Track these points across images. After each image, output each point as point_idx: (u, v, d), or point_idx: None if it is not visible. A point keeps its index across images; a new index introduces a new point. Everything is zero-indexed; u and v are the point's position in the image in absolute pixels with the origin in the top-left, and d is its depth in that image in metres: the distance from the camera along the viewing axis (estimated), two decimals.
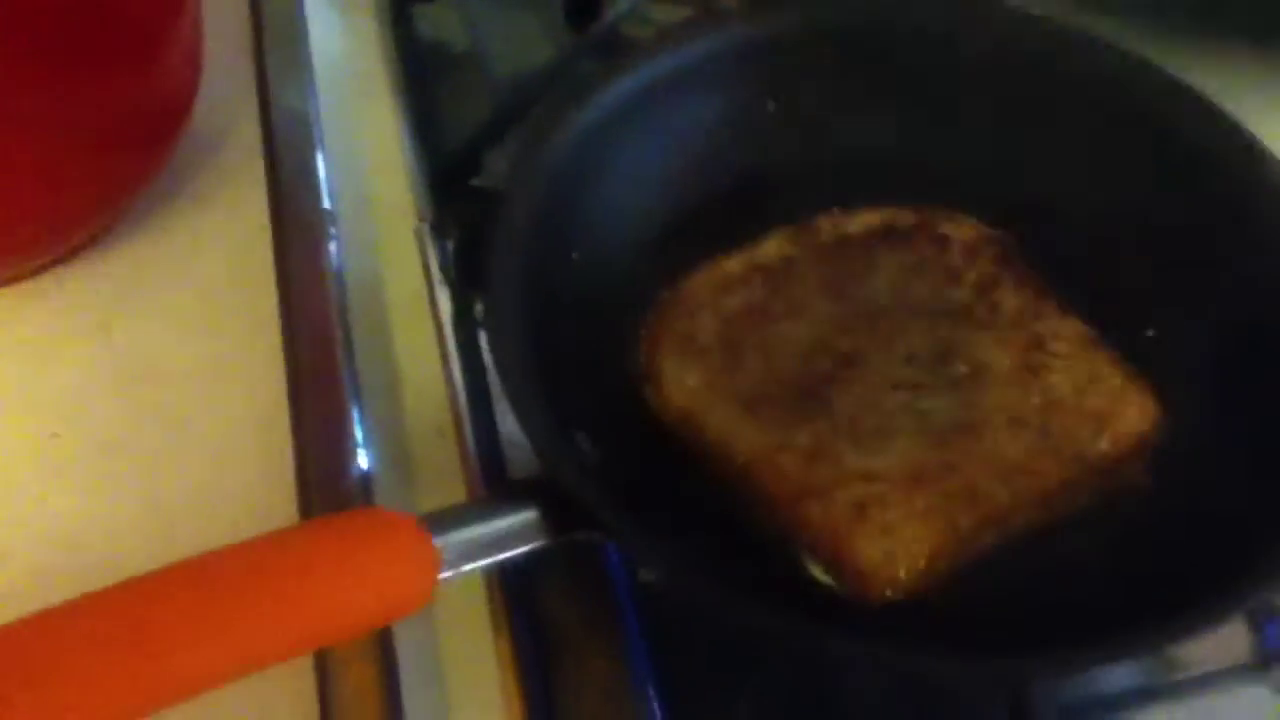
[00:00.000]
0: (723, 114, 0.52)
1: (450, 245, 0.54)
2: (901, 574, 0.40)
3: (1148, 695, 0.44)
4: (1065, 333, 0.45)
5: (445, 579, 0.35)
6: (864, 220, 0.49)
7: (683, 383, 0.45)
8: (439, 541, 0.35)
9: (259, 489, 0.46)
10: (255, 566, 0.32)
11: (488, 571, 0.43)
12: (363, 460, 0.46)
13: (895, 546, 0.40)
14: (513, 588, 0.43)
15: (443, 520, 0.36)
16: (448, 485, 0.47)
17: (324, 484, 0.45)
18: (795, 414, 0.43)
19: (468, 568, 0.36)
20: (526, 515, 0.38)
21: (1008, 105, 0.51)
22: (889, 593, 0.40)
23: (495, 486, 0.45)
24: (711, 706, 0.40)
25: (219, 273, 0.53)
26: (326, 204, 0.54)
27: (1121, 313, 0.48)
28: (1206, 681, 0.44)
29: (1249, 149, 0.47)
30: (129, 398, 0.48)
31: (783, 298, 0.47)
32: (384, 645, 0.39)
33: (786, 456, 0.42)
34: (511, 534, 0.37)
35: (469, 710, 0.41)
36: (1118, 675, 0.44)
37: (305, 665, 0.39)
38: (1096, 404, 0.43)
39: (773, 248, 0.48)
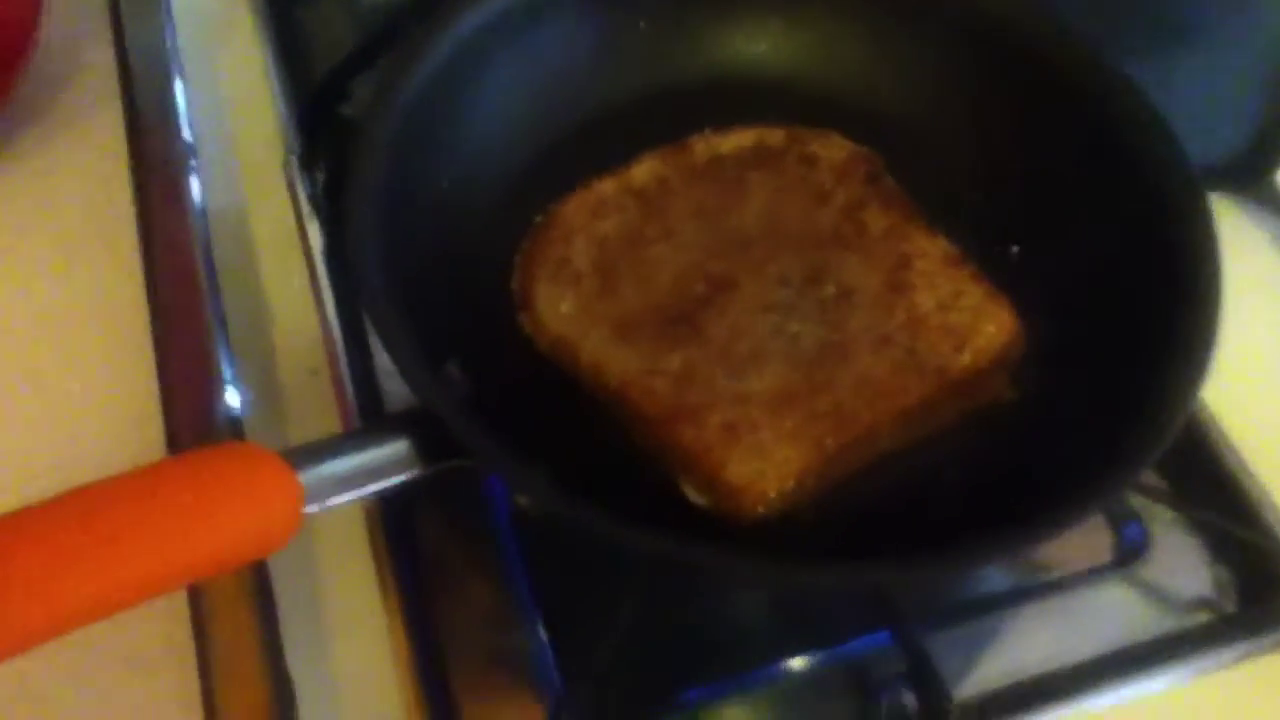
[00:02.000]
0: (593, 35, 0.51)
1: (320, 177, 0.53)
2: (772, 492, 0.40)
3: (1018, 596, 0.45)
4: (930, 252, 0.46)
5: (311, 512, 0.34)
6: (736, 140, 0.49)
7: (556, 309, 0.44)
8: (304, 475, 0.34)
9: (125, 437, 0.45)
10: (115, 500, 0.31)
11: (365, 503, 0.42)
12: (231, 400, 0.45)
13: (765, 466, 0.40)
14: (391, 518, 0.43)
15: (308, 453, 0.35)
16: (322, 423, 0.46)
17: (192, 427, 0.44)
18: (668, 338, 0.43)
19: (334, 501, 0.35)
20: (397, 446, 0.37)
21: (882, 27, 0.51)
22: (760, 510, 0.40)
23: (368, 421, 0.44)
24: (593, 625, 0.40)
25: (73, 211, 0.51)
26: (187, 136, 0.52)
27: (987, 232, 0.48)
28: (1072, 582, 0.46)
29: (1120, 86, 0.48)
30: None
31: (656, 221, 0.47)
32: (259, 581, 0.39)
33: (659, 380, 0.42)
34: (381, 466, 0.36)
35: (351, 642, 0.41)
36: (989, 579, 0.46)
37: (180, 603, 0.38)
38: (958, 320, 0.44)
39: (645, 169, 0.48)
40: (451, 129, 0.47)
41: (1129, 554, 0.46)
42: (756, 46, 0.53)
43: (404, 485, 0.37)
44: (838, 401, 0.42)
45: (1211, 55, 0.58)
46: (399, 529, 0.42)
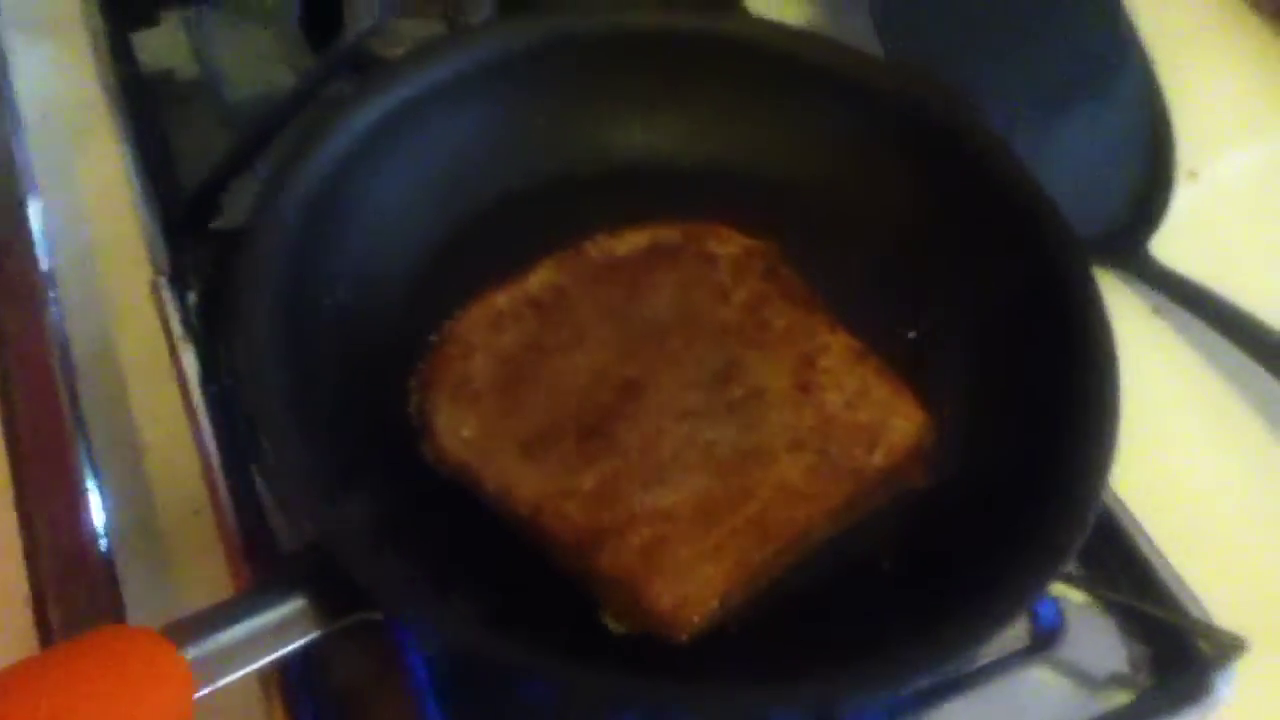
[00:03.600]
0: (489, 131, 0.50)
1: (191, 297, 0.50)
2: (696, 618, 0.39)
3: (941, 688, 0.44)
4: (834, 348, 0.46)
5: (203, 696, 0.31)
6: (630, 241, 0.48)
7: (457, 434, 0.42)
8: (191, 654, 0.31)
9: None
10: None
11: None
12: (104, 544, 0.41)
13: (688, 590, 0.39)
14: (292, 676, 0.40)
15: (192, 628, 0.32)
16: (209, 567, 0.43)
17: (62, 578, 0.41)
18: (579, 454, 0.42)
19: (226, 679, 0.32)
20: (292, 605, 0.35)
21: (775, 109, 0.52)
22: (685, 637, 0.39)
23: (260, 568, 0.41)
24: None
25: None
26: (44, 265, 0.49)
27: (885, 314, 0.48)
28: (991, 669, 0.45)
29: (992, 142, 0.49)
30: None
31: (557, 329, 0.45)
32: None
33: (571, 502, 0.41)
34: (276, 630, 0.34)
35: None
36: None
37: None
38: (867, 418, 0.44)
39: (541, 277, 0.47)
40: (340, 239, 0.45)
41: (1045, 637, 0.46)
42: (652, 136, 0.52)
43: (304, 649, 0.34)
44: (758, 512, 0.41)
45: (1087, 125, 0.60)
46: (299, 688, 0.39)
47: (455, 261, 0.48)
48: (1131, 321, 0.55)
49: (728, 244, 0.49)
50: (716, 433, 0.43)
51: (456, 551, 0.41)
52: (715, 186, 0.51)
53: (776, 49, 0.52)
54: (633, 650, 0.40)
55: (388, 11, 0.60)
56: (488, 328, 0.45)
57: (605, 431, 0.42)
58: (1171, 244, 0.57)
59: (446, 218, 0.48)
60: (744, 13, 0.61)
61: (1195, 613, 0.45)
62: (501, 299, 0.46)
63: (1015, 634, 0.46)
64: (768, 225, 0.50)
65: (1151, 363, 0.53)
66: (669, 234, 0.49)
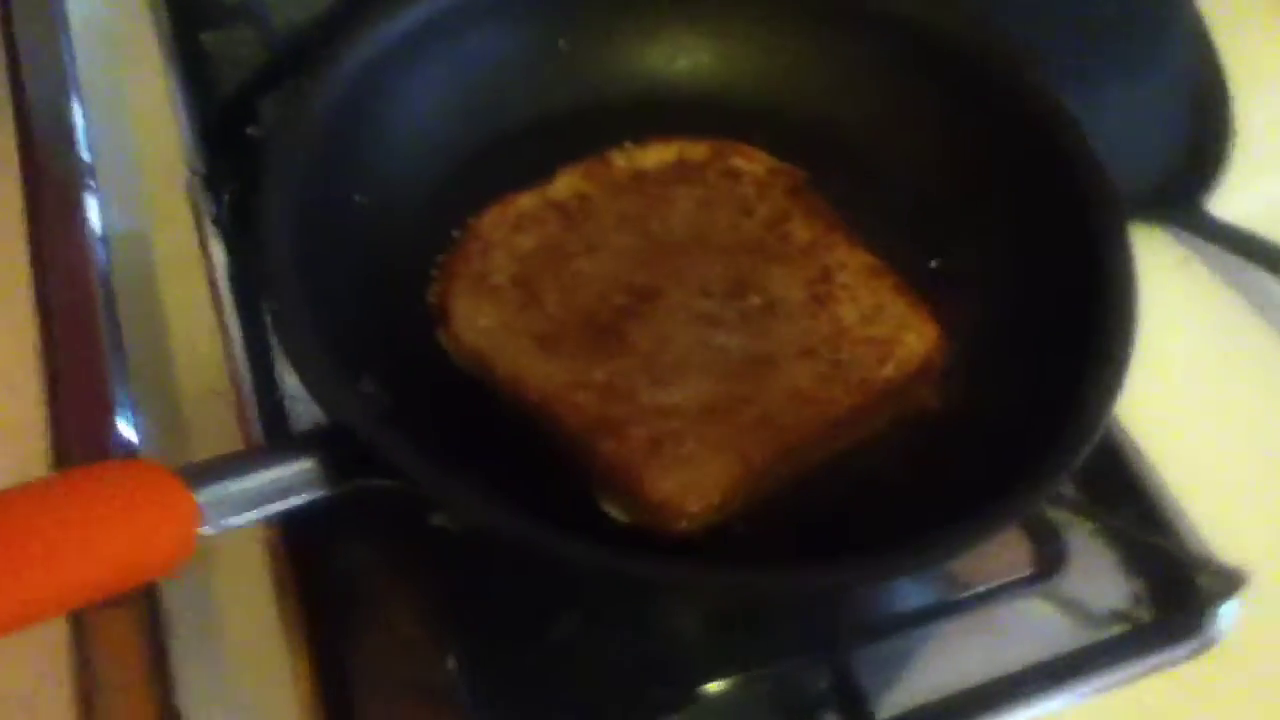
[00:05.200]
0: (514, 51, 0.50)
1: (225, 198, 0.51)
2: (696, 507, 0.39)
3: (940, 611, 0.45)
4: (852, 264, 0.46)
5: (206, 533, 0.32)
6: (657, 154, 0.49)
7: (474, 323, 0.43)
8: (200, 494, 0.32)
9: (10, 459, 0.42)
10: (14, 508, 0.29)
11: (266, 527, 0.41)
12: (125, 428, 0.43)
13: (689, 480, 0.40)
14: (295, 542, 0.41)
15: (206, 472, 0.33)
16: (225, 445, 0.44)
17: (82, 450, 0.42)
18: (591, 351, 0.43)
19: (232, 521, 0.33)
20: (302, 465, 0.35)
21: (807, 38, 0.51)
22: (684, 525, 0.39)
23: (273, 439, 0.42)
24: (508, 654, 0.39)
25: None
26: (85, 156, 0.50)
27: (911, 244, 0.48)
28: (992, 595, 0.45)
29: (1048, 105, 0.48)
30: None
31: (578, 234, 0.46)
32: (150, 609, 0.37)
33: (581, 393, 0.41)
34: (284, 485, 0.35)
35: (250, 675, 0.39)
36: (910, 594, 0.45)
37: (60, 633, 0.36)
38: (880, 331, 0.44)
39: (566, 184, 0.47)
40: (368, 141, 0.46)
41: (1048, 567, 0.46)
42: (678, 62, 0.52)
43: (308, 505, 0.35)
44: (764, 413, 0.41)
45: (1139, 81, 0.59)
46: (303, 554, 0.40)
47: (481, 169, 0.48)
48: (1177, 271, 0.55)
49: (753, 162, 0.49)
50: (728, 338, 0.43)
51: (465, 439, 0.41)
52: (748, 115, 0.51)
53: None
54: (634, 541, 0.40)
55: None
56: (510, 227, 0.46)
57: (618, 330, 0.43)
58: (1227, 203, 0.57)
59: (474, 129, 0.49)
60: None
61: (1196, 547, 0.45)
62: (525, 200, 0.46)
63: (1017, 562, 0.46)
64: (798, 155, 0.50)
65: (1174, 308, 0.52)
66: (695, 149, 0.49)
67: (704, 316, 0.44)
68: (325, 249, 0.42)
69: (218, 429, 0.44)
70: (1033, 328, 0.45)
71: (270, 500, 0.34)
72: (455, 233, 0.46)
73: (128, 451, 0.42)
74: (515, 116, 0.50)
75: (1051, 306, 0.45)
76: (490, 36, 0.50)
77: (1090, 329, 0.43)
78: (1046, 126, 0.48)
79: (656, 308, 0.44)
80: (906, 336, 0.44)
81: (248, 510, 0.34)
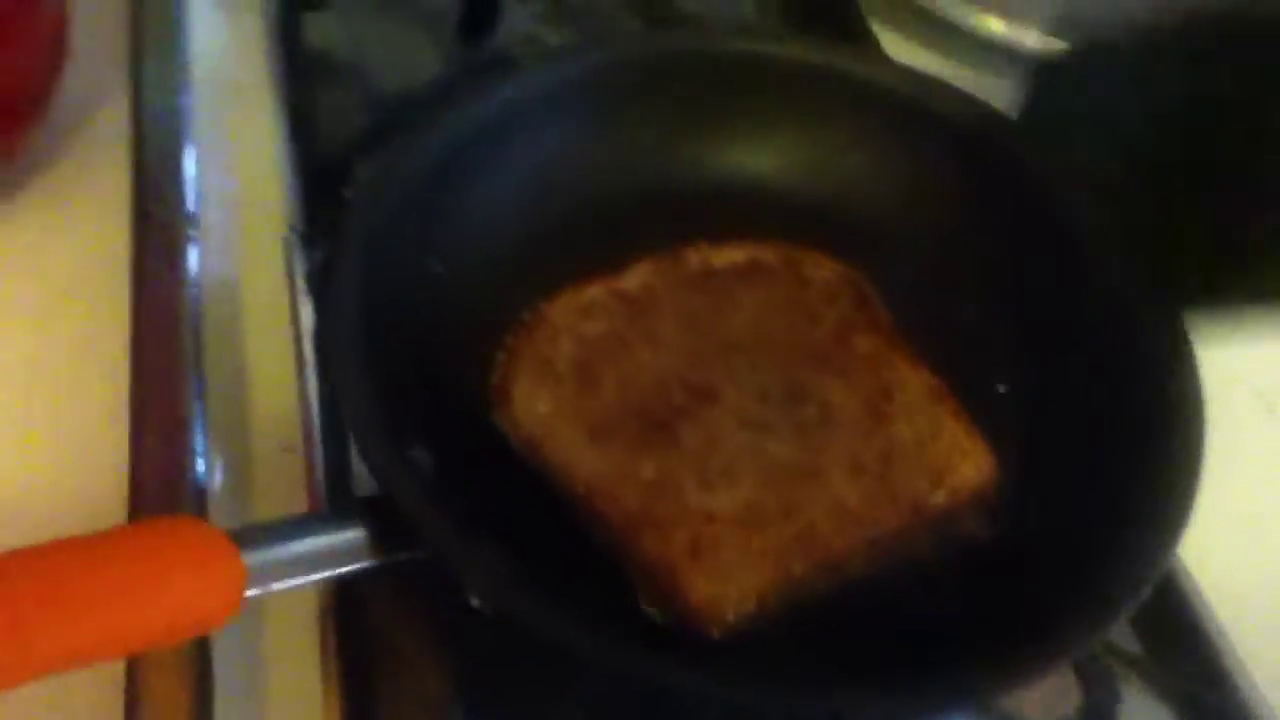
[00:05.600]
0: (601, 137, 0.52)
1: (317, 255, 0.53)
2: (730, 615, 0.39)
3: None
4: (913, 383, 0.46)
5: (252, 596, 0.33)
6: (729, 254, 0.49)
7: (533, 408, 0.44)
8: (249, 556, 0.34)
9: (89, 494, 0.44)
10: (52, 565, 0.30)
11: (318, 587, 0.42)
12: (200, 469, 0.44)
13: (727, 588, 0.40)
14: (343, 605, 0.42)
15: (258, 534, 0.35)
16: (290, 501, 0.45)
17: (157, 493, 0.44)
18: (642, 445, 0.43)
19: (278, 585, 0.34)
20: (353, 534, 0.37)
21: (883, 146, 0.52)
22: (716, 633, 0.39)
23: (329, 505, 0.44)
24: None
25: (71, 267, 0.51)
26: (191, 206, 0.53)
27: (974, 365, 0.48)
28: None
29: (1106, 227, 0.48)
30: None
31: (642, 327, 0.47)
32: (199, 658, 0.38)
33: (628, 487, 0.42)
34: (332, 552, 0.36)
35: None
36: None
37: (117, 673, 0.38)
38: (935, 456, 0.44)
39: (637, 276, 0.48)
40: (447, 212, 0.48)
41: (1096, 714, 0.45)
42: (764, 161, 0.53)
43: (355, 574, 0.36)
44: (808, 525, 0.41)
45: None
46: (350, 617, 0.41)
47: (553, 251, 0.49)
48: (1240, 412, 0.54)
49: (822, 269, 0.50)
50: (779, 446, 0.43)
51: (510, 519, 0.42)
52: (819, 216, 0.52)
53: (905, 95, 0.53)
54: (666, 642, 0.40)
55: (532, 23, 0.63)
56: (577, 314, 0.47)
57: (671, 427, 0.44)
58: None
59: (550, 210, 0.50)
60: (878, 53, 0.62)
61: (1259, 706, 0.44)
62: (595, 290, 0.47)
63: (1062, 705, 0.45)
64: (865, 258, 0.50)
65: (1246, 442, 0.51)
66: (767, 254, 0.50)
67: (758, 422, 0.44)
68: (394, 314, 0.43)
69: (286, 483, 0.46)
70: (1091, 458, 0.45)
71: (316, 567, 0.36)
72: (524, 315, 0.47)
73: (199, 497, 0.43)
74: (591, 199, 0.51)
75: (1112, 438, 0.44)
76: (579, 122, 0.51)
77: (1155, 468, 0.42)
78: (1113, 261, 0.48)
79: (712, 409, 0.44)
80: (962, 464, 0.44)
81: (294, 576, 0.35)
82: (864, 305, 0.48)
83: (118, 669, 0.38)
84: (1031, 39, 0.66)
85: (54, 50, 0.51)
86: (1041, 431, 0.46)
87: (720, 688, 0.37)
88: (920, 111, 0.52)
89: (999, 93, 0.57)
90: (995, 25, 0.66)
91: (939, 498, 0.43)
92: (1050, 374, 0.48)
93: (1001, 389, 0.48)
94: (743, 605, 0.40)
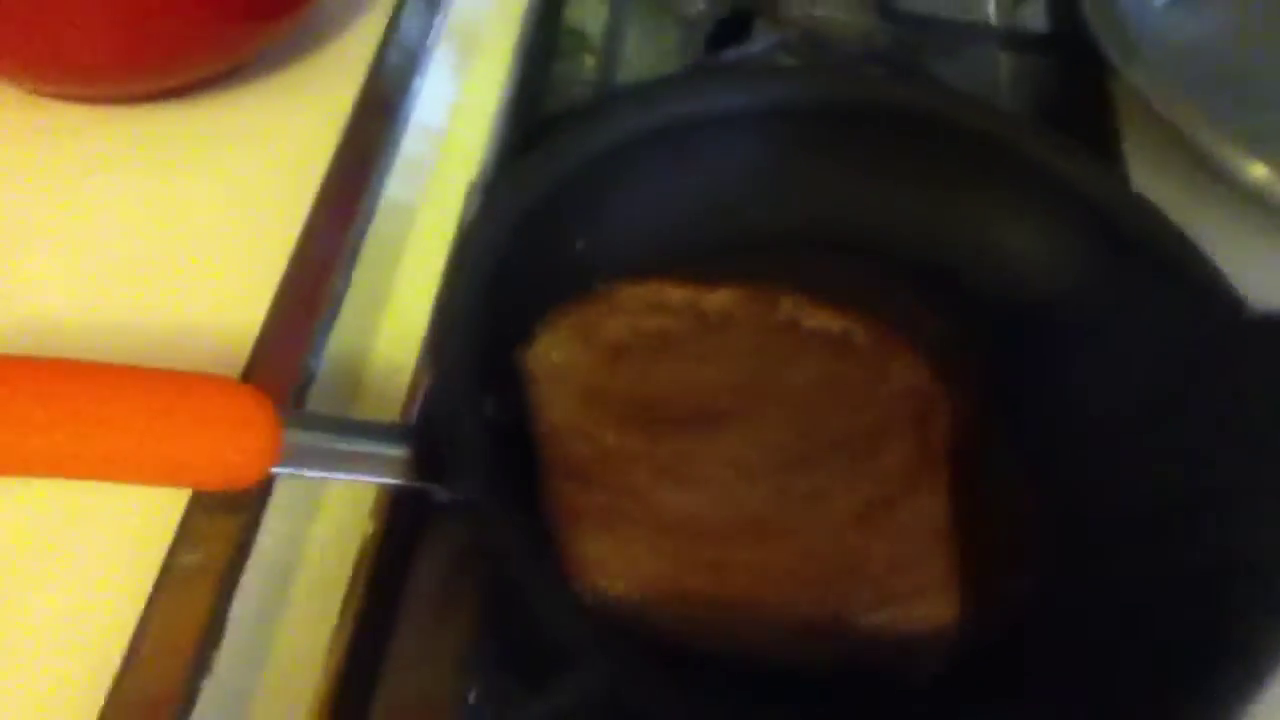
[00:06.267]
0: (749, 164, 0.51)
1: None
2: (601, 583, 0.39)
3: None
4: (922, 509, 0.43)
5: (279, 472, 0.35)
6: (822, 317, 0.48)
7: (549, 353, 0.45)
8: (290, 435, 0.36)
9: (215, 348, 0.48)
10: (107, 384, 0.33)
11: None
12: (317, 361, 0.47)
13: (610, 558, 0.40)
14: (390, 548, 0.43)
15: (305, 419, 0.37)
16: (383, 413, 0.48)
17: (271, 364, 0.47)
18: (620, 424, 0.43)
19: (306, 471, 0.36)
20: (395, 451, 0.38)
21: (1042, 222, 0.50)
22: (585, 596, 0.39)
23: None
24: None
25: (281, 155, 0.56)
26: (402, 136, 0.56)
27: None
28: None
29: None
30: (159, 224, 0.52)
31: (697, 343, 0.46)
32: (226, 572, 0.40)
33: (584, 443, 0.42)
34: (366, 459, 0.38)
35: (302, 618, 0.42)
36: None
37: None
38: (893, 582, 0.41)
39: (722, 298, 0.48)
40: (605, 200, 0.49)
41: None
42: (916, 221, 0.52)
43: (384, 485, 0.38)
44: (723, 561, 0.41)
45: None
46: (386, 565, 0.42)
47: (687, 258, 0.49)
48: None
49: (908, 373, 0.47)
50: (748, 495, 0.42)
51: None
52: (961, 292, 0.50)
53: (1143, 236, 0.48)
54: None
55: (777, 49, 0.64)
56: (645, 304, 0.47)
57: (658, 429, 0.44)
58: None
59: (703, 221, 0.51)
60: (1123, 180, 0.58)
61: None
62: (675, 292, 0.48)
63: None
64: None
65: None
66: (861, 332, 0.48)
67: (744, 466, 0.43)
68: (522, 273, 0.44)
69: (389, 401, 0.48)
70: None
71: (344, 467, 0.38)
72: (599, 287, 0.48)
73: (304, 385, 0.46)
74: (748, 223, 0.51)
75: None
76: (745, 146, 0.51)
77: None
78: None
79: (710, 435, 0.44)
80: (918, 601, 0.41)
81: (323, 468, 0.37)
82: (923, 421, 0.46)
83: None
84: None
85: None
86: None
87: None
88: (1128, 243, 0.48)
89: (1250, 248, 0.53)
90: (1259, 172, 0.61)
91: (873, 620, 0.41)
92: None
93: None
94: (620, 582, 0.39)
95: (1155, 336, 0.46)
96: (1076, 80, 0.68)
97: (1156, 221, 0.48)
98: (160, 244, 0.51)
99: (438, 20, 0.62)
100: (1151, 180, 0.63)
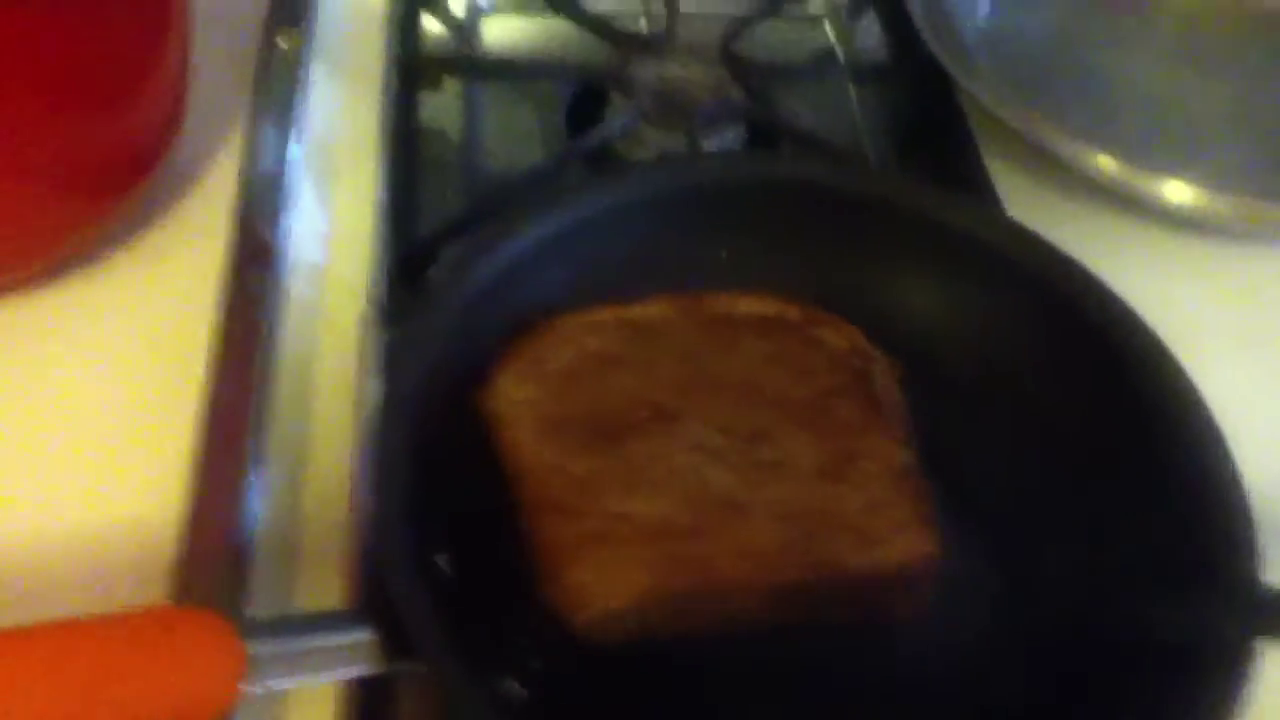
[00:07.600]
0: (672, 250, 0.52)
1: (393, 334, 0.54)
2: (598, 607, 0.41)
3: None
4: (882, 455, 0.46)
5: (251, 692, 0.34)
6: (753, 305, 0.50)
7: (508, 393, 0.46)
8: (253, 650, 0.34)
9: (140, 539, 0.46)
10: (55, 641, 0.32)
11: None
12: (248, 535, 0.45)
13: (600, 579, 0.41)
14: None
15: (264, 629, 0.35)
16: (329, 580, 0.46)
17: (204, 554, 0.45)
18: (585, 448, 0.45)
19: (278, 683, 0.35)
20: (361, 636, 0.37)
21: (936, 273, 0.52)
22: (580, 622, 0.41)
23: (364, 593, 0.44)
24: None
25: (160, 322, 0.53)
26: (279, 274, 0.55)
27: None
28: None
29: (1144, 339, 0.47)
30: (48, 415, 0.49)
31: (641, 350, 0.48)
32: None
33: (556, 478, 0.44)
34: (336, 654, 0.36)
35: None
36: None
37: None
38: (872, 526, 0.43)
39: (652, 308, 0.50)
40: (502, 318, 0.48)
41: None
42: (846, 291, 0.53)
43: (356, 678, 0.37)
44: (707, 553, 0.42)
45: None
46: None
47: None
48: None
49: (839, 337, 0.50)
50: (719, 475, 0.44)
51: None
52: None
53: (1031, 267, 0.51)
54: None
55: (638, 120, 0.64)
56: (583, 329, 0.49)
57: (620, 439, 0.45)
58: None
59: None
60: (999, 215, 0.60)
61: None
62: (608, 312, 0.49)
63: None
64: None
65: None
66: (792, 310, 0.50)
67: (709, 450, 0.45)
68: (450, 411, 0.45)
69: (330, 561, 0.46)
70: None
71: (319, 667, 0.36)
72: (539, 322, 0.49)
73: (241, 559, 0.45)
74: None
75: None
76: (656, 235, 0.52)
77: None
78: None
79: (669, 429, 0.46)
80: (896, 538, 0.43)
81: (295, 674, 0.36)
82: (863, 378, 0.48)
83: None
84: (1147, 180, 0.64)
85: (173, 109, 0.54)
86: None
87: None
88: (1029, 277, 0.51)
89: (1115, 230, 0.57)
90: (1105, 164, 0.65)
91: (857, 563, 0.43)
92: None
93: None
94: (611, 601, 0.41)
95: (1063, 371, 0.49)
96: (926, 99, 0.71)
97: (1046, 255, 0.50)
98: (53, 441, 0.49)
99: (292, 150, 0.61)
100: (1012, 180, 0.66)
